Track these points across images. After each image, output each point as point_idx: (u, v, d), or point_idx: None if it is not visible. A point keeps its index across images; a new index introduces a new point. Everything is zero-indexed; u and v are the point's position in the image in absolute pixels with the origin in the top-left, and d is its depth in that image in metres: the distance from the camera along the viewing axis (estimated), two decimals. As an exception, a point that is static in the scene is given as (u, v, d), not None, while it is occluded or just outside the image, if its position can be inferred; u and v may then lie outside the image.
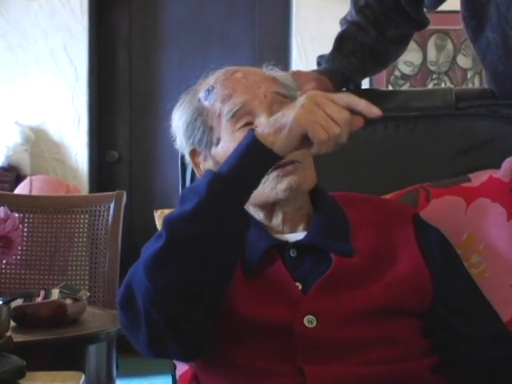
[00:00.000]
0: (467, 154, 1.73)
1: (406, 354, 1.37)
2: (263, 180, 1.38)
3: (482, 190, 1.62)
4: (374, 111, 1.24)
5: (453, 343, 1.43)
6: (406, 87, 4.78)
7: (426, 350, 1.41)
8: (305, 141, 1.24)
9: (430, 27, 1.91)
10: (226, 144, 1.42)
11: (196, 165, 1.50)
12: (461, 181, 1.64)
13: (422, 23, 1.88)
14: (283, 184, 1.41)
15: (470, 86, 4.80)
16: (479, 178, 1.64)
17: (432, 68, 4.84)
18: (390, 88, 4.74)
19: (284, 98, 1.45)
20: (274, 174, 1.40)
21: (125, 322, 1.35)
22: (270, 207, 1.45)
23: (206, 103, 1.46)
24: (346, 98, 1.25)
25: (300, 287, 1.39)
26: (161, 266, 1.26)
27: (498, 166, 1.65)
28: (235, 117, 1.43)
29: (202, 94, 1.48)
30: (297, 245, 1.42)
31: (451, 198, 1.62)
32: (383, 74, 4.75)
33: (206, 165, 1.47)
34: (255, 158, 1.24)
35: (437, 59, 4.83)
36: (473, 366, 1.43)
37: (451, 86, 4.68)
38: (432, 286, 1.42)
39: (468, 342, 1.43)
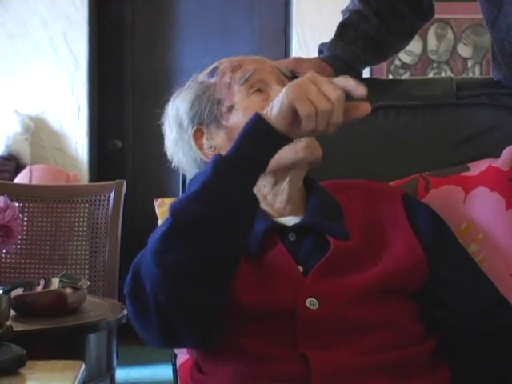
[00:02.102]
0: (468, 143, 1.73)
1: (405, 339, 1.38)
2: None
3: (480, 179, 1.61)
4: (359, 91, 1.21)
5: (449, 320, 1.43)
6: (406, 76, 4.78)
7: (423, 335, 1.42)
8: (297, 116, 1.22)
9: (431, 16, 1.90)
10: (243, 106, 1.44)
11: (200, 147, 1.48)
12: (460, 170, 1.64)
13: (427, 12, 1.87)
14: (303, 143, 1.41)
15: (471, 75, 4.79)
16: (478, 167, 1.64)
17: (432, 57, 4.83)
18: (391, 77, 4.73)
19: (285, 78, 1.49)
20: None
21: (133, 311, 1.33)
22: (279, 175, 1.45)
23: (213, 79, 1.48)
24: (343, 79, 1.24)
25: (301, 270, 1.39)
26: (167, 247, 1.25)
27: (499, 156, 1.65)
28: (249, 82, 1.45)
29: (204, 77, 1.49)
30: (295, 228, 1.43)
31: (450, 188, 1.62)
32: (383, 63, 4.74)
33: (214, 141, 1.46)
34: (257, 136, 1.24)
35: (437, 48, 4.82)
36: (470, 341, 1.43)
37: (452, 75, 4.68)
38: (426, 262, 1.42)
39: (463, 317, 1.43)
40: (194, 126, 1.48)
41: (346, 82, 1.22)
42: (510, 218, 1.58)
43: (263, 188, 1.46)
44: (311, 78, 1.23)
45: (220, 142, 1.45)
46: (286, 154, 1.41)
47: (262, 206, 1.46)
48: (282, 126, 1.22)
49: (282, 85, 1.40)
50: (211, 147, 1.46)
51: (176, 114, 1.50)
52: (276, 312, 1.36)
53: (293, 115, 1.21)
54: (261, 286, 1.37)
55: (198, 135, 1.48)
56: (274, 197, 1.47)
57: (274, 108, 1.22)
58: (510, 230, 1.57)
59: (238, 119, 1.43)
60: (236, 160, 1.24)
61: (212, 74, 1.48)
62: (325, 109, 1.19)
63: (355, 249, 1.41)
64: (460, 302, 1.43)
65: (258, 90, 1.44)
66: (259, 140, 1.24)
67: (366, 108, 1.24)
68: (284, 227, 1.44)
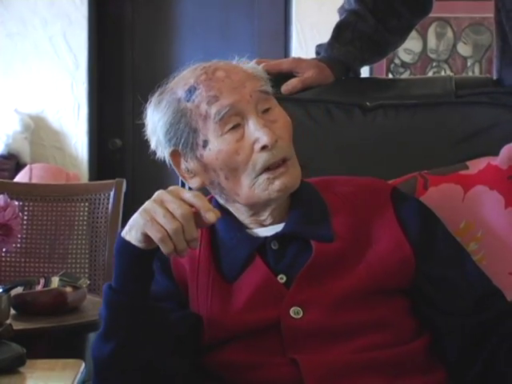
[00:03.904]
0: (467, 142, 1.73)
1: (397, 338, 1.37)
2: (252, 183, 1.39)
3: (479, 177, 1.62)
4: (207, 217, 1.24)
5: (438, 316, 1.42)
6: (406, 75, 4.78)
7: (416, 331, 1.41)
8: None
9: (430, 15, 1.90)
10: (216, 147, 1.39)
11: (177, 165, 1.45)
12: (459, 168, 1.64)
13: (425, 8, 1.87)
14: (276, 185, 1.39)
15: (470, 74, 4.79)
16: (477, 165, 1.64)
17: (432, 56, 4.83)
18: (390, 76, 4.73)
19: (266, 95, 1.43)
20: (265, 176, 1.39)
21: None
22: (258, 207, 1.43)
23: (189, 104, 1.41)
24: (193, 197, 1.25)
25: (284, 279, 1.39)
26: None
27: (498, 154, 1.65)
28: (223, 119, 1.39)
29: (182, 95, 1.42)
30: (277, 236, 1.42)
31: (449, 186, 1.62)
32: (383, 62, 4.74)
33: (190, 165, 1.44)
34: (129, 260, 1.29)
35: (437, 47, 4.82)
36: (461, 336, 1.41)
37: (451, 73, 4.67)
38: (414, 259, 1.41)
39: (453, 312, 1.41)
40: (171, 147, 1.44)
41: (198, 201, 1.24)
42: (509, 217, 1.58)
43: (240, 213, 1.45)
44: (158, 197, 1.26)
45: (195, 168, 1.43)
46: (258, 194, 1.40)
47: (241, 218, 1.45)
48: (145, 247, 1.26)
49: (257, 113, 1.39)
50: (188, 170, 1.45)
51: (154, 129, 1.46)
52: (261, 328, 1.36)
53: (149, 239, 1.25)
54: (243, 305, 1.37)
55: (175, 154, 1.45)
56: (257, 217, 1.45)
57: (132, 233, 1.27)
58: (509, 229, 1.57)
59: (211, 159, 1.40)
60: (119, 288, 1.29)
61: (189, 95, 1.41)
62: (174, 228, 1.22)
63: (340, 250, 1.40)
64: (448, 298, 1.42)
65: (234, 128, 1.39)
66: (131, 263, 1.29)
67: (209, 218, 1.24)
68: (265, 238, 1.42)
